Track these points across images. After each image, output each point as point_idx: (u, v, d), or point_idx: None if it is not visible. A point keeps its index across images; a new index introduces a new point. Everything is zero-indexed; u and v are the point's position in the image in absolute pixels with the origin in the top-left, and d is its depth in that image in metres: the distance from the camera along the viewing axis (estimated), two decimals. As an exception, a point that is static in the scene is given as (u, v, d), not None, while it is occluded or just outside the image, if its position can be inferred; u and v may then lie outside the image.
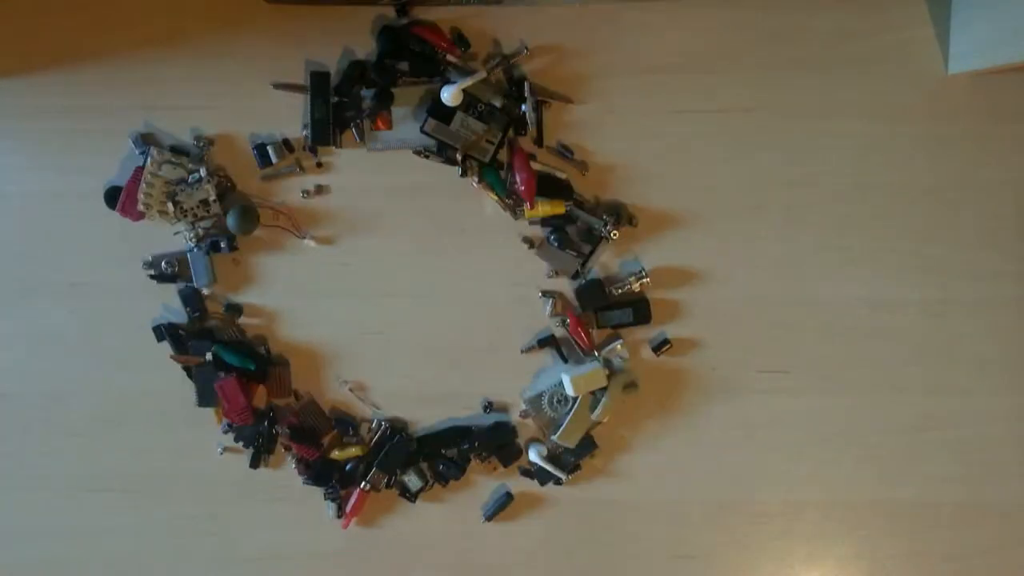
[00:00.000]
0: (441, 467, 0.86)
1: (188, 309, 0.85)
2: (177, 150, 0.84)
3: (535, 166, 0.84)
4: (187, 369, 0.86)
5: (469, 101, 0.81)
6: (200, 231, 0.84)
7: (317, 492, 0.88)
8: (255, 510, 0.88)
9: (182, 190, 0.82)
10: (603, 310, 0.84)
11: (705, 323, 0.86)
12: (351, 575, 0.88)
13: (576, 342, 0.85)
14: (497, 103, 0.82)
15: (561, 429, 0.84)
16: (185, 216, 0.82)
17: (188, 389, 0.87)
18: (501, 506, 0.86)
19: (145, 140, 0.85)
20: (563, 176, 0.85)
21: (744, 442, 0.87)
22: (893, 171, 0.86)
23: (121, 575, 0.89)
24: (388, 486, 0.86)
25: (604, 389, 0.84)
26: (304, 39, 0.86)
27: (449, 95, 0.79)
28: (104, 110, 0.86)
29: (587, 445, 0.86)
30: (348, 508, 0.86)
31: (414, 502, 0.87)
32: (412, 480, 0.86)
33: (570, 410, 0.84)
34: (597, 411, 0.83)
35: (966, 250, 0.86)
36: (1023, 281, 0.86)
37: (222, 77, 0.86)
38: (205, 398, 0.85)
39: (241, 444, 0.86)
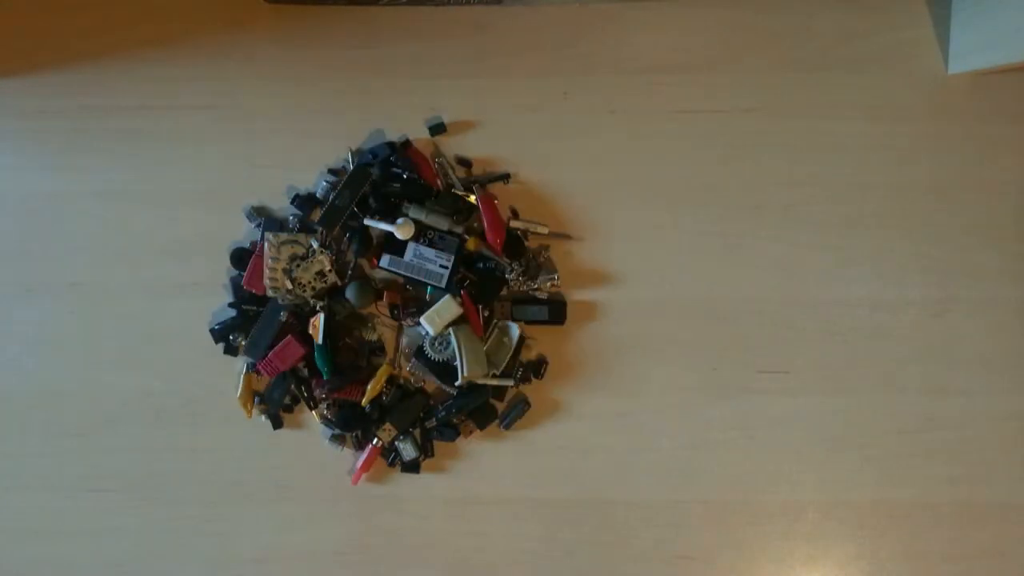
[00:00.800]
0: (435, 433, 0.86)
1: (238, 272, 0.85)
2: (289, 227, 0.85)
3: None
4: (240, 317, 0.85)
5: (421, 230, 0.83)
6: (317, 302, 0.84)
7: (317, 492, 0.88)
8: (255, 510, 0.88)
9: (298, 265, 0.82)
10: (520, 303, 0.85)
11: (705, 323, 0.86)
12: (351, 575, 0.88)
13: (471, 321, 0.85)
14: (445, 226, 0.83)
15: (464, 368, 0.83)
16: (304, 290, 0.82)
17: (187, 389, 0.87)
18: (520, 414, 0.86)
19: (258, 213, 0.86)
20: (525, 239, 0.86)
21: (744, 442, 0.87)
22: (893, 171, 0.86)
23: (121, 575, 0.89)
24: (387, 455, 0.86)
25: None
26: (304, 39, 0.86)
27: (399, 231, 0.81)
28: (104, 110, 0.87)
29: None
30: (359, 464, 0.86)
31: (417, 472, 0.87)
32: (407, 449, 0.86)
33: (454, 352, 0.83)
34: (464, 370, 0.82)
35: (966, 250, 0.86)
36: (1023, 281, 0.86)
37: (222, 77, 0.86)
38: (257, 345, 0.84)
39: (259, 401, 0.86)
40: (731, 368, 0.87)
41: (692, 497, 0.87)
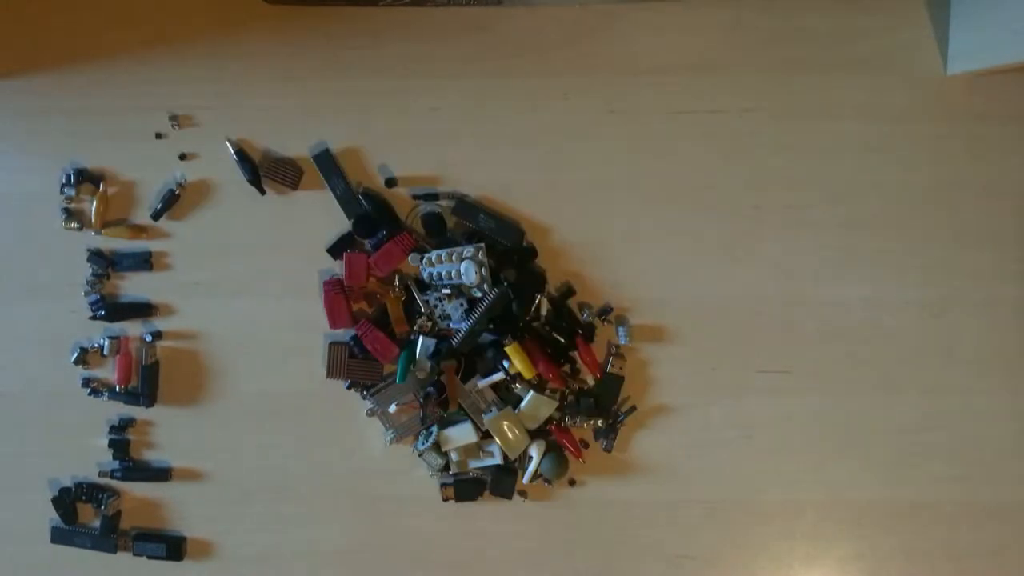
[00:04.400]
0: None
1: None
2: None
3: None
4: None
5: None
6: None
7: (317, 492, 0.88)
8: (255, 510, 0.88)
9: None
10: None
11: (705, 323, 0.86)
12: (351, 575, 0.88)
13: None
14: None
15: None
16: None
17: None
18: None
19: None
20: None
21: (744, 442, 0.87)
22: (893, 171, 0.86)
23: None
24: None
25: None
26: (304, 39, 0.86)
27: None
28: (104, 110, 0.87)
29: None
30: None
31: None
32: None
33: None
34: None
35: (966, 250, 0.86)
36: (1022, 281, 0.86)
37: (222, 77, 0.86)
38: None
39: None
40: (731, 368, 0.87)
41: (692, 497, 0.87)
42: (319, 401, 0.87)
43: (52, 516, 0.88)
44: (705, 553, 0.88)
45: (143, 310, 0.86)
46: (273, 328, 0.87)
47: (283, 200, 0.87)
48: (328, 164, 0.85)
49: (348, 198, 0.85)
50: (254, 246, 0.87)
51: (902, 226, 0.86)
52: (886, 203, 0.86)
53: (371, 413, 0.86)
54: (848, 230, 0.86)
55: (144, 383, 0.87)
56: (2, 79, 0.87)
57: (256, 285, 0.87)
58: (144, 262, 0.86)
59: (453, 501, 0.86)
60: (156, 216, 0.86)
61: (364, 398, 0.86)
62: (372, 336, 0.84)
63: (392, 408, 0.85)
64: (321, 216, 0.86)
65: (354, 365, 0.85)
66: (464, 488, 0.86)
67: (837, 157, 0.86)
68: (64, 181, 0.85)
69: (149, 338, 0.86)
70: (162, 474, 0.87)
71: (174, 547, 0.87)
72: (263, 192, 0.86)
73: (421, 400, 0.84)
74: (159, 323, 0.87)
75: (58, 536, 0.88)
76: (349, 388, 0.86)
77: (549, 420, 0.85)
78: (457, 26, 0.86)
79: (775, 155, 0.86)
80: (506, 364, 0.82)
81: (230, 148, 0.85)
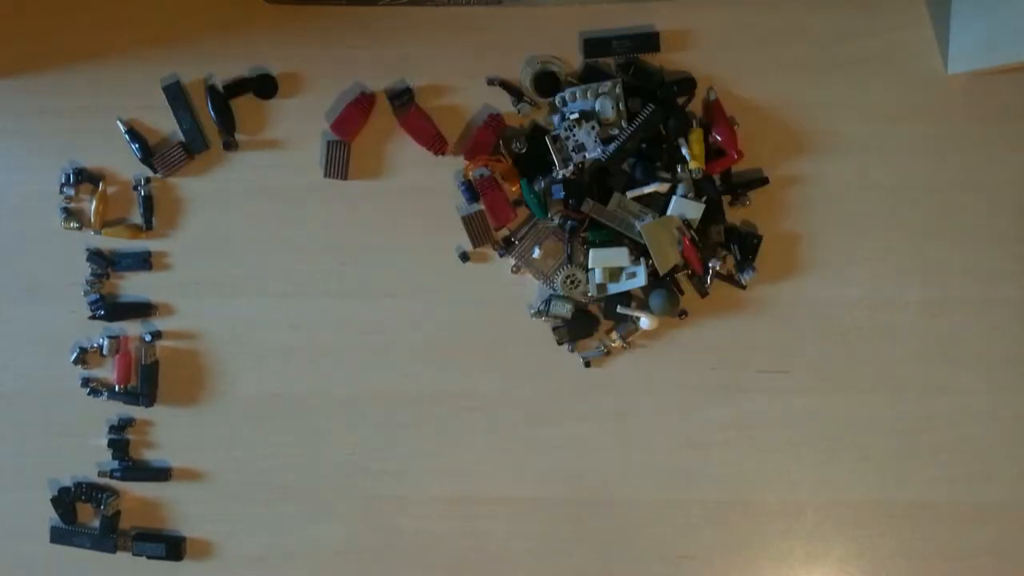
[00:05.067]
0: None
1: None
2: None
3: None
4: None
5: None
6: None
7: (317, 492, 0.88)
8: (255, 510, 0.88)
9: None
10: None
11: (705, 323, 0.86)
12: (351, 575, 0.88)
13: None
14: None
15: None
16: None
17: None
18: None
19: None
20: None
21: (744, 442, 0.87)
22: (893, 171, 0.86)
23: None
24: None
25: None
26: (304, 39, 0.86)
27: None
28: (104, 110, 0.87)
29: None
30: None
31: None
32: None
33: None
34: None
35: (966, 250, 0.86)
36: (1023, 281, 0.86)
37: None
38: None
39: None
40: (730, 368, 0.87)
41: (692, 497, 0.88)
42: (319, 401, 0.87)
43: (51, 516, 0.88)
44: (705, 553, 0.88)
45: (142, 310, 0.87)
46: (273, 328, 0.87)
47: (283, 200, 0.87)
48: (177, 97, 0.85)
49: (193, 135, 0.85)
50: (254, 246, 0.87)
51: (902, 226, 0.86)
52: (886, 203, 0.86)
53: (516, 269, 0.84)
54: (848, 230, 0.86)
55: (143, 383, 0.87)
56: (2, 79, 0.87)
57: (256, 285, 0.87)
58: (144, 262, 0.87)
59: (567, 344, 0.85)
60: (148, 225, 0.86)
61: (501, 255, 0.85)
62: (494, 195, 0.81)
63: (536, 253, 0.83)
64: (322, 217, 0.87)
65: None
66: (575, 327, 0.84)
67: (837, 157, 0.86)
68: (63, 181, 0.85)
69: (148, 338, 0.86)
70: (162, 474, 0.87)
71: (174, 547, 0.87)
72: (155, 171, 0.86)
73: (567, 234, 0.81)
74: (159, 323, 0.87)
75: (57, 536, 0.87)
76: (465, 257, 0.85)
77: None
78: (457, 26, 0.86)
79: (775, 155, 0.86)
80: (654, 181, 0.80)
81: (121, 127, 0.85)
